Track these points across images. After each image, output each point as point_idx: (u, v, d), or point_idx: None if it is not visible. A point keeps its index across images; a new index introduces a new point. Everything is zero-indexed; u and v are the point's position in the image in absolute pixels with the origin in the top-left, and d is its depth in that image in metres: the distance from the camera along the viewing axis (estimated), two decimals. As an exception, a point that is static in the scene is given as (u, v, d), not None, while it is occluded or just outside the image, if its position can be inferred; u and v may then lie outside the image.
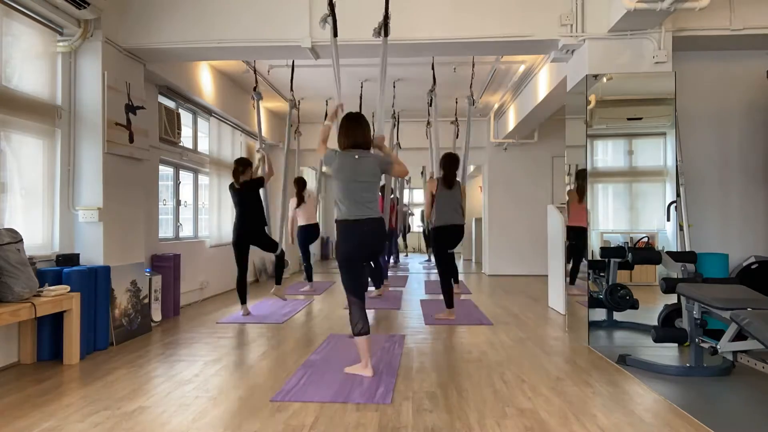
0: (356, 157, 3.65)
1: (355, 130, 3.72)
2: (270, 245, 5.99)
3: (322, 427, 2.73)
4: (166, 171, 6.60)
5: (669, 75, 4.62)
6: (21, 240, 3.80)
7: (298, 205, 7.78)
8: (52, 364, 3.99)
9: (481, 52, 5.86)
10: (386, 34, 4.13)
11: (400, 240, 14.23)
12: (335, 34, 4.20)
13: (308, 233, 7.79)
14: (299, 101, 8.31)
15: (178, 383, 3.50)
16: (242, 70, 7.30)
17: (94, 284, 4.39)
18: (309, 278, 8.08)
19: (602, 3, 4.74)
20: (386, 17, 4.11)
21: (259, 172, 6.11)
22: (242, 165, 5.81)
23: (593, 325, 4.57)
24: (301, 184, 7.86)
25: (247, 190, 5.80)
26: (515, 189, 10.43)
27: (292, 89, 6.70)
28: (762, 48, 5.15)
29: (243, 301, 5.89)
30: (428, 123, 8.20)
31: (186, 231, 7.13)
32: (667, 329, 3.95)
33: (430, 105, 6.48)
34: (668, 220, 4.62)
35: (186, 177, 7.13)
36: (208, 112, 7.51)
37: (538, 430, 2.69)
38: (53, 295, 3.90)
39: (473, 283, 9.14)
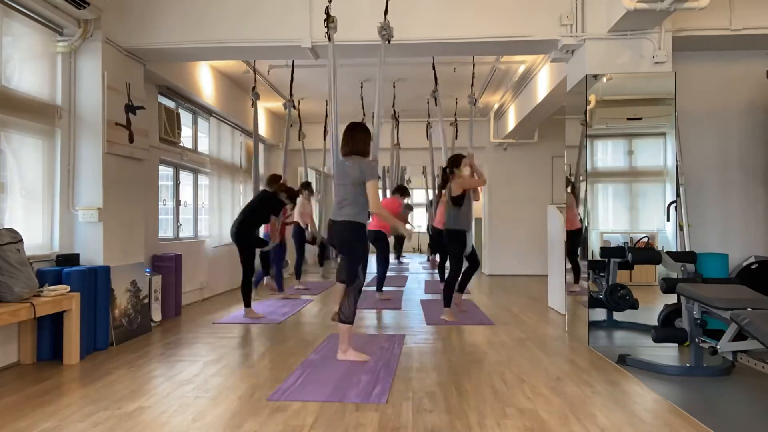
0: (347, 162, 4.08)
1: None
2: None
3: (322, 427, 2.73)
4: (166, 171, 6.60)
5: (669, 75, 4.62)
6: (21, 240, 3.80)
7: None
8: (52, 364, 3.99)
9: (481, 52, 5.85)
10: (389, 40, 4.17)
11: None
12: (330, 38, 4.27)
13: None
14: (299, 101, 8.30)
15: (178, 383, 3.50)
16: (242, 70, 7.30)
17: (94, 284, 4.39)
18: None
19: (602, 3, 4.73)
20: (389, 27, 4.21)
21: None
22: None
23: (593, 325, 4.57)
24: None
25: None
26: (515, 189, 10.41)
27: (291, 91, 6.68)
28: (762, 48, 5.15)
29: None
30: (428, 123, 8.22)
31: (186, 231, 7.13)
32: (667, 329, 3.95)
33: (436, 105, 6.47)
34: (668, 220, 4.62)
35: (186, 177, 7.13)
36: (208, 112, 7.51)
37: (538, 430, 2.69)
38: (53, 295, 3.90)
39: (473, 283, 9.13)
